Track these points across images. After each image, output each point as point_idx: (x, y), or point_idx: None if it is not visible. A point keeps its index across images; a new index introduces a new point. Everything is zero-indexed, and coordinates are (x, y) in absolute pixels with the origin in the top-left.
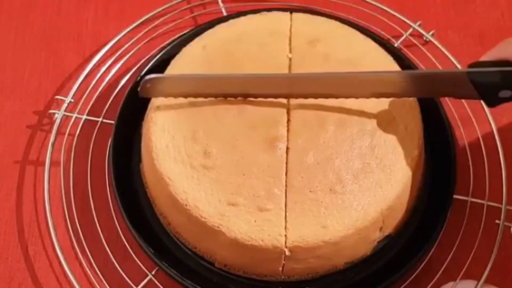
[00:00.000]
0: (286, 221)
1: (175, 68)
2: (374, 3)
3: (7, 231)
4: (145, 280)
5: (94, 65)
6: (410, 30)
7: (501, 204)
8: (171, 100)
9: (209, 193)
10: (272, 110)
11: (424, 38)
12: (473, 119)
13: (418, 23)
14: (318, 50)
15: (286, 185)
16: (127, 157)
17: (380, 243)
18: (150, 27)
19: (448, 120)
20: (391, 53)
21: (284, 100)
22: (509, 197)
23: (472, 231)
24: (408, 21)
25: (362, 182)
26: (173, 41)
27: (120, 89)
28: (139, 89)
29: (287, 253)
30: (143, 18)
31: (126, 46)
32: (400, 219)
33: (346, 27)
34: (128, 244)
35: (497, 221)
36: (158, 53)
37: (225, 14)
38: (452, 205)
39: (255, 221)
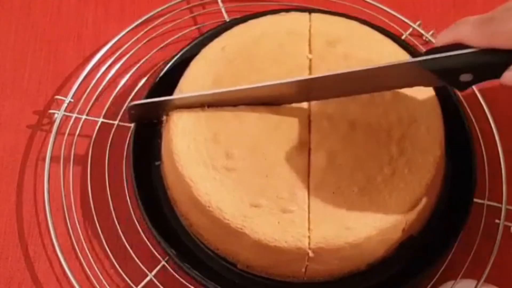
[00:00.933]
0: (309, 222)
1: (194, 69)
2: (374, 3)
3: (7, 231)
4: (145, 280)
5: (94, 65)
6: (410, 30)
7: (501, 203)
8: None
9: (232, 194)
10: (294, 111)
11: (424, 38)
12: (473, 119)
13: (418, 23)
14: (338, 50)
15: (309, 186)
16: (145, 157)
17: (402, 244)
18: (149, 27)
19: (467, 120)
20: (410, 53)
21: (305, 102)
22: (509, 196)
23: (472, 230)
24: (408, 21)
25: (386, 184)
26: (190, 42)
27: (120, 89)
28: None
29: (311, 254)
30: (143, 18)
31: (126, 46)
32: (423, 220)
33: (365, 27)
34: (128, 244)
35: (497, 221)
36: (176, 55)
37: (224, 14)
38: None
39: (278, 222)
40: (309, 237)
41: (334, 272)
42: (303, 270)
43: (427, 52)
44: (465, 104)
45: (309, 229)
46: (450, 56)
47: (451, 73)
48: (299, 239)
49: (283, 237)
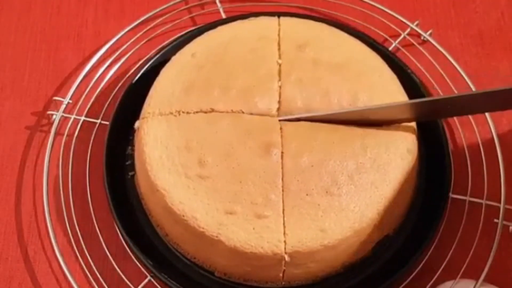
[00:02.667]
0: (284, 227)
1: (164, 77)
2: (372, 3)
3: (7, 231)
4: (144, 281)
5: (93, 66)
6: (408, 29)
7: (500, 203)
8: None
9: (206, 202)
10: (265, 116)
11: (422, 38)
12: (472, 119)
13: (415, 23)
14: (307, 54)
15: (283, 190)
16: (122, 165)
17: (378, 244)
18: (148, 27)
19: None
20: (383, 55)
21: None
22: (507, 196)
23: (470, 230)
24: (405, 21)
25: (358, 183)
26: (162, 48)
27: (118, 90)
28: None
29: (287, 258)
30: (141, 19)
31: (124, 47)
32: (398, 218)
33: (335, 30)
34: (127, 246)
35: (495, 220)
36: (147, 62)
37: (222, 14)
38: (448, 203)
39: (253, 228)
40: (285, 241)
41: (312, 275)
42: (281, 275)
43: None
44: None
45: (284, 233)
46: None
47: None
48: (275, 244)
49: (259, 243)
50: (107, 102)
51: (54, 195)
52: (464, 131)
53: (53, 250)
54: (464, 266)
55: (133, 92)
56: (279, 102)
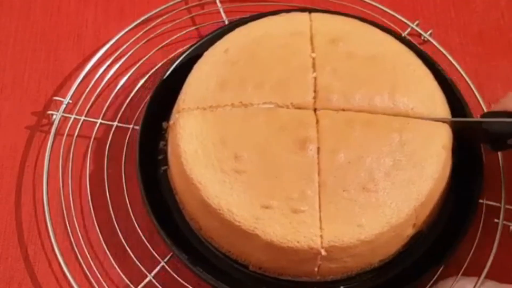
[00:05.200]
0: (321, 222)
1: (198, 73)
2: (372, 2)
3: (7, 231)
4: (145, 281)
5: (93, 65)
6: (408, 29)
7: (500, 203)
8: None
9: (242, 196)
10: (300, 112)
11: (422, 38)
12: None
13: (416, 23)
14: (340, 48)
15: (319, 186)
16: (151, 162)
17: (412, 239)
18: (148, 27)
19: (472, 114)
20: (412, 49)
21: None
22: (507, 196)
23: (471, 230)
24: (406, 21)
25: (394, 180)
26: (192, 45)
27: (118, 90)
28: None
29: (323, 253)
30: (141, 19)
31: (125, 46)
32: (432, 214)
33: (366, 25)
34: (127, 245)
35: (496, 220)
36: (179, 57)
37: (223, 14)
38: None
39: (290, 223)
40: (321, 236)
41: (347, 270)
42: (316, 269)
43: (485, 115)
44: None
45: (321, 228)
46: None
47: (504, 136)
48: (311, 239)
49: (295, 237)
50: (107, 102)
51: (54, 195)
52: None
53: (53, 250)
54: (465, 264)
55: (163, 88)
56: (314, 91)
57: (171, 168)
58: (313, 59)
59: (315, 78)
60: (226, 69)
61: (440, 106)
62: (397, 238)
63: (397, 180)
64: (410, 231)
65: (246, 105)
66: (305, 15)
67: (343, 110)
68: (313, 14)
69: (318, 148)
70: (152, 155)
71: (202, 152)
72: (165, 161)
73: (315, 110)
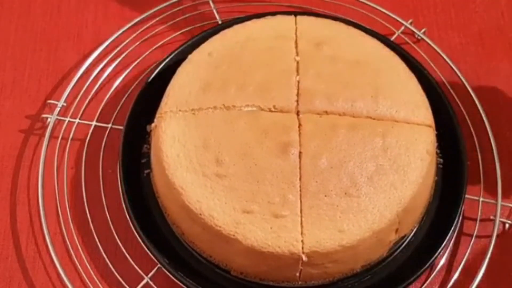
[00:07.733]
0: (302, 227)
1: (181, 76)
2: (368, 3)
3: (6, 231)
4: (142, 283)
5: (88, 67)
6: (402, 28)
7: (496, 200)
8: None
9: (223, 201)
10: (283, 115)
11: (416, 36)
12: (467, 118)
13: (409, 21)
14: (324, 52)
15: (300, 190)
16: (135, 165)
17: (395, 245)
18: (143, 28)
19: (456, 117)
20: (398, 53)
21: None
22: (503, 193)
23: (468, 227)
24: (400, 19)
25: (377, 184)
26: (176, 48)
27: (113, 91)
28: None
29: (304, 258)
30: (134, 21)
31: (120, 47)
32: (415, 219)
33: (350, 28)
34: (124, 247)
35: (492, 217)
36: (163, 61)
37: (216, 14)
38: (463, 205)
39: (271, 228)
40: (302, 241)
41: (328, 275)
42: (298, 274)
43: None
44: (459, 102)
45: (302, 233)
46: None
47: None
48: (292, 244)
49: (276, 242)
50: (102, 104)
51: (49, 198)
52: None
53: (49, 254)
54: (463, 263)
55: (147, 91)
56: (297, 95)
57: (153, 172)
58: (297, 62)
59: (298, 82)
60: (210, 72)
61: (424, 110)
62: (380, 244)
63: (380, 185)
64: (393, 237)
65: (228, 107)
66: (291, 18)
67: (326, 113)
68: (299, 18)
69: (300, 153)
70: (137, 158)
71: (184, 156)
72: (148, 165)
73: (298, 113)
